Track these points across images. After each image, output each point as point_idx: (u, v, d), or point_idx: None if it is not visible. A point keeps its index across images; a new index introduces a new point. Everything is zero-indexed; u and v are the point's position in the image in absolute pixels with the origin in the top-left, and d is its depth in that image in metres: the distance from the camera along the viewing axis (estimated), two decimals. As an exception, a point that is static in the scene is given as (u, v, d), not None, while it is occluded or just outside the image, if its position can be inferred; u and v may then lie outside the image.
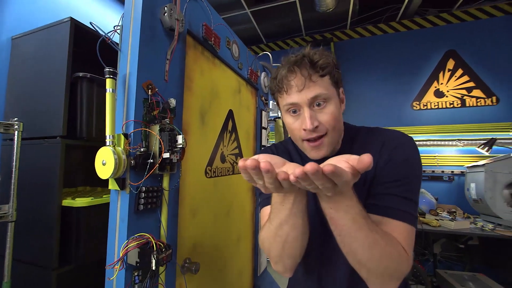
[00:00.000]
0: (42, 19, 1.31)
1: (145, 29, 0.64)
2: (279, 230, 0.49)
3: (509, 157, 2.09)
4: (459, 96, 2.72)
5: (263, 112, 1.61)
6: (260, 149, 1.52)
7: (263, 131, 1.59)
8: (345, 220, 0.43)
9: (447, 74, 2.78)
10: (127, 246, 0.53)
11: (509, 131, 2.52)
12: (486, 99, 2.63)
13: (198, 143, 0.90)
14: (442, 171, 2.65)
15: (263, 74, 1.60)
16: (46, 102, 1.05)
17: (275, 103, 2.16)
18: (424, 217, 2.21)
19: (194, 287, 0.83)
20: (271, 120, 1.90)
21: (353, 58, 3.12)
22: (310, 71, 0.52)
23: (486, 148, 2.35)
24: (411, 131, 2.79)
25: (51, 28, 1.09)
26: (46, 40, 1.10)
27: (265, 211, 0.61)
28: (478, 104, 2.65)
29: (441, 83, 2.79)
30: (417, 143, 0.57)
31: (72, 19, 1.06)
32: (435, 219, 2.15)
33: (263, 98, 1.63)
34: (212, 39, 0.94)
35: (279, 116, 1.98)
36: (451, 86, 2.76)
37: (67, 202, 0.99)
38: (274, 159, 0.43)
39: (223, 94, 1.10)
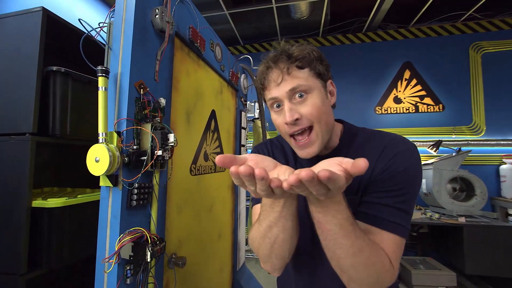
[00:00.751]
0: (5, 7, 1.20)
1: (137, 30, 0.65)
2: (268, 232, 0.49)
3: (451, 157, 2.45)
4: (414, 103, 3.08)
5: (243, 113, 1.67)
6: (239, 148, 1.57)
7: (243, 131, 1.65)
8: (331, 225, 0.42)
9: (404, 83, 3.13)
10: (122, 240, 0.55)
11: (451, 134, 2.94)
12: (434, 106, 3.02)
13: (184, 141, 0.93)
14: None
15: (242, 76, 1.66)
16: (14, 96, 0.98)
17: (252, 103, 2.22)
18: (384, 210, 2.48)
19: (178, 281, 0.86)
20: (249, 120, 1.97)
21: (324, 64, 3.34)
22: (286, 64, 0.51)
23: (434, 148, 2.71)
24: (374, 133, 3.10)
25: (19, 16, 1.02)
26: (13, 29, 1.02)
27: (257, 208, 0.60)
28: (428, 110, 3.03)
29: (399, 91, 3.13)
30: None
31: (44, 9, 1.00)
32: (393, 211, 2.42)
33: (242, 99, 1.68)
34: (198, 41, 0.97)
35: (257, 117, 2.05)
36: (407, 94, 3.11)
37: (37, 203, 0.94)
38: (265, 162, 0.42)
39: (207, 94, 1.13)
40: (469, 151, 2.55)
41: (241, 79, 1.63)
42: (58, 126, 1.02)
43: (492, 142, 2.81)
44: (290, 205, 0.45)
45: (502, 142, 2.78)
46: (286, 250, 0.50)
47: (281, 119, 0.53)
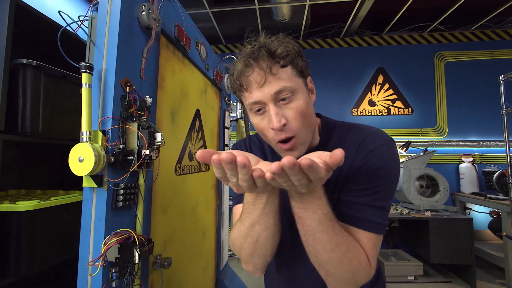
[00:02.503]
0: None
1: (123, 26, 0.63)
2: (251, 230, 0.48)
3: (419, 156, 2.65)
4: (386, 106, 3.29)
5: (226, 112, 1.67)
6: (223, 148, 1.57)
7: (226, 130, 1.65)
8: (311, 220, 0.42)
9: (378, 87, 3.33)
10: (108, 242, 0.53)
11: (419, 136, 3.19)
12: (404, 109, 3.25)
13: (169, 141, 0.91)
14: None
15: (226, 75, 1.66)
16: (-23, 90, 0.89)
17: (234, 103, 2.23)
18: (360, 207, 2.64)
19: (163, 282, 0.85)
20: (233, 120, 1.97)
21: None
22: (268, 62, 0.46)
23: (404, 148, 2.92)
24: (350, 134, 3.27)
25: (-18, 3, 0.93)
26: (-25, 17, 0.93)
27: (237, 209, 0.59)
28: (399, 113, 3.26)
29: (373, 94, 3.32)
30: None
31: (12, -4, 0.92)
32: (368, 208, 2.58)
33: (226, 99, 1.69)
34: (184, 39, 0.96)
35: (240, 117, 2.06)
36: (380, 97, 3.31)
37: (5, 206, 0.87)
38: (248, 157, 0.39)
39: (191, 94, 1.12)
40: (434, 151, 2.79)
41: (225, 79, 1.63)
42: (29, 123, 0.95)
43: (453, 143, 3.09)
44: (272, 202, 0.45)
45: (461, 143, 3.08)
46: (269, 248, 0.50)
47: (265, 123, 0.49)
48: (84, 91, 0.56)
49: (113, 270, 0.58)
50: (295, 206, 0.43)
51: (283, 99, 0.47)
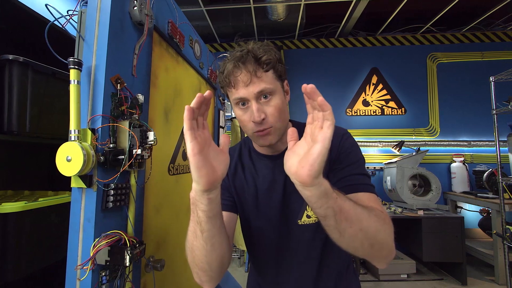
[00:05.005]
0: None
1: (113, 21, 0.61)
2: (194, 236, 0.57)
3: (412, 156, 2.69)
4: (380, 106, 3.32)
5: (221, 112, 1.66)
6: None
7: (221, 130, 1.63)
8: (347, 203, 0.43)
9: (372, 87, 3.36)
10: (98, 244, 0.51)
11: (412, 135, 3.23)
12: (397, 110, 3.29)
13: (162, 140, 0.89)
14: (367, 167, 3.19)
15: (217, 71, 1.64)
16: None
17: (229, 102, 2.22)
18: (354, 206, 2.65)
19: (156, 285, 0.83)
20: (227, 119, 1.95)
21: (300, 66, 3.45)
22: (254, 66, 0.54)
23: (398, 148, 2.96)
24: (345, 134, 3.30)
25: (-35, -4, 0.89)
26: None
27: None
28: (393, 113, 3.29)
29: (367, 94, 3.35)
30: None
31: (-2, -10, 0.89)
32: (362, 207, 2.60)
33: (220, 98, 1.67)
34: (177, 37, 0.94)
35: (235, 116, 2.05)
36: (374, 98, 3.34)
37: (-10, 208, 0.83)
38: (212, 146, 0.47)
39: (185, 92, 1.10)
40: (427, 151, 2.83)
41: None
42: (15, 122, 0.91)
43: (445, 143, 3.15)
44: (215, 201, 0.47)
45: (453, 142, 3.14)
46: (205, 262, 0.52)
47: (247, 116, 0.57)
48: (73, 88, 0.54)
49: (103, 274, 0.56)
50: (325, 211, 0.41)
51: (264, 97, 0.56)
